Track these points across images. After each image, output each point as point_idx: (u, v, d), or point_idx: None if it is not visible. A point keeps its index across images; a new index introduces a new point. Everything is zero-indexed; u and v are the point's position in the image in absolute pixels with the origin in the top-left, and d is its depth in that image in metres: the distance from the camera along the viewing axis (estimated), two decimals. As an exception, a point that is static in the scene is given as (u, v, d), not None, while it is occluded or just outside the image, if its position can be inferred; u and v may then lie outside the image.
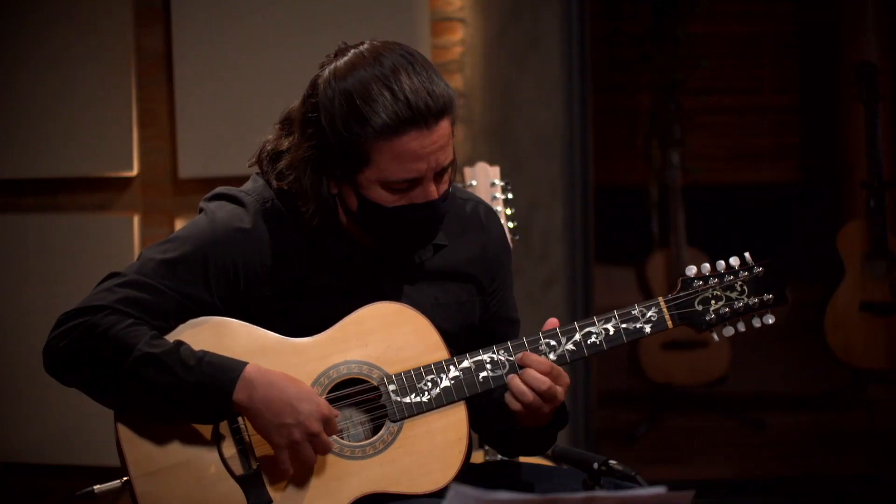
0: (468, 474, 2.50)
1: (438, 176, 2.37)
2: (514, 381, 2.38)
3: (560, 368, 2.40)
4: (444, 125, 2.34)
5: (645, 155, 6.83)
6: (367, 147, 2.31)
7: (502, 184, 3.43)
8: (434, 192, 2.36)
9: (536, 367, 2.38)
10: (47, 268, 4.77)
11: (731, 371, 6.17)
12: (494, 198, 3.40)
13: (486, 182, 3.43)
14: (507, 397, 2.39)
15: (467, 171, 3.47)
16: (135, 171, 4.81)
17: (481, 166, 3.46)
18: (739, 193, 7.64)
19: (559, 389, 2.38)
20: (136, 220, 4.80)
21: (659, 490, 1.84)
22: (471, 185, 3.41)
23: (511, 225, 3.39)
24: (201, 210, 2.46)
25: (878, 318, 5.49)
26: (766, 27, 7.62)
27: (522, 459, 2.70)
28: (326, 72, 2.36)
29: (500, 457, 3.43)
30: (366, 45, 2.38)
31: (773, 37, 7.61)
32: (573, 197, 4.97)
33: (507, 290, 2.60)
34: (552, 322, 2.45)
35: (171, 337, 2.35)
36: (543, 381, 2.36)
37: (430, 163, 2.33)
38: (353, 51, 2.38)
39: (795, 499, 5.13)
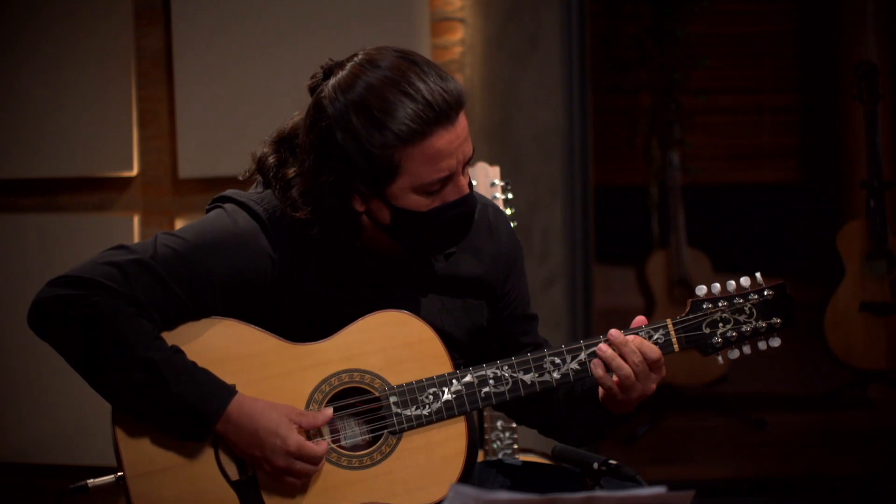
0: (468, 474, 2.50)
1: (463, 169, 2.37)
2: (616, 358, 2.39)
3: (662, 361, 2.40)
4: (463, 117, 2.34)
5: (645, 155, 6.82)
6: (395, 157, 2.29)
7: (502, 184, 3.43)
8: (465, 186, 2.37)
9: (643, 348, 2.39)
10: (47, 268, 4.75)
11: (731, 371, 6.17)
12: (494, 198, 3.40)
13: (486, 182, 3.43)
14: (597, 374, 2.39)
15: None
16: (135, 171, 4.81)
17: (481, 166, 3.46)
18: (739, 193, 7.63)
19: (654, 377, 2.39)
20: (136, 220, 4.80)
21: (659, 490, 1.84)
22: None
23: (511, 225, 3.39)
24: (213, 208, 2.42)
25: (878, 318, 5.49)
26: (766, 27, 7.61)
27: (522, 458, 2.70)
28: (328, 92, 2.33)
29: (500, 456, 3.44)
30: (360, 56, 2.35)
31: (773, 37, 7.61)
32: (573, 197, 4.97)
33: (521, 288, 2.59)
34: (640, 320, 2.45)
35: (177, 335, 2.33)
36: (640, 361, 2.38)
37: (459, 157, 2.33)
38: (348, 64, 2.35)
39: (795, 499, 5.13)
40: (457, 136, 2.31)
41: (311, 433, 2.35)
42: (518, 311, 2.58)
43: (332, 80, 2.34)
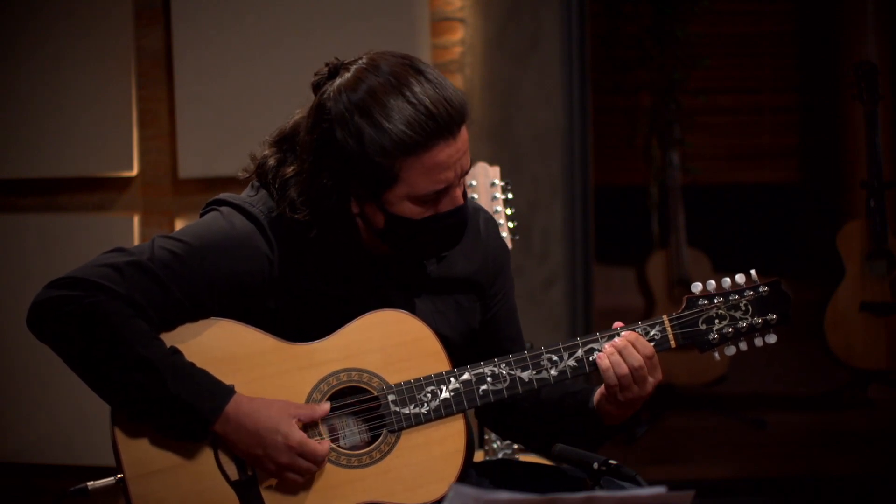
0: (467, 474, 2.50)
1: (459, 180, 2.37)
2: (614, 356, 2.40)
3: (657, 360, 2.41)
4: (464, 131, 2.35)
5: (645, 155, 6.82)
6: (395, 166, 2.29)
7: (502, 184, 3.43)
8: (460, 197, 2.37)
9: (641, 348, 2.40)
10: (47, 268, 4.75)
11: (731, 371, 6.17)
12: (494, 198, 3.39)
13: (486, 182, 3.42)
14: (603, 365, 2.40)
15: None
16: (135, 171, 4.81)
17: (481, 166, 3.45)
18: (739, 193, 7.63)
19: (651, 380, 2.40)
20: (136, 220, 4.80)
21: (659, 490, 1.84)
22: (471, 185, 3.41)
23: (511, 225, 3.39)
24: (209, 211, 2.43)
25: (878, 318, 5.49)
26: (766, 27, 7.61)
27: (522, 458, 2.70)
28: (332, 93, 2.32)
29: (500, 456, 3.43)
30: (364, 59, 2.36)
31: (773, 37, 7.61)
32: (573, 197, 4.97)
33: (508, 290, 2.60)
34: (617, 325, 2.46)
35: (176, 336, 2.33)
36: (637, 359, 2.39)
37: (457, 170, 2.34)
38: (353, 67, 2.35)
39: (795, 499, 5.13)
40: (457, 149, 2.32)
41: (312, 433, 2.35)
42: (504, 312, 2.59)
43: (338, 82, 2.33)
